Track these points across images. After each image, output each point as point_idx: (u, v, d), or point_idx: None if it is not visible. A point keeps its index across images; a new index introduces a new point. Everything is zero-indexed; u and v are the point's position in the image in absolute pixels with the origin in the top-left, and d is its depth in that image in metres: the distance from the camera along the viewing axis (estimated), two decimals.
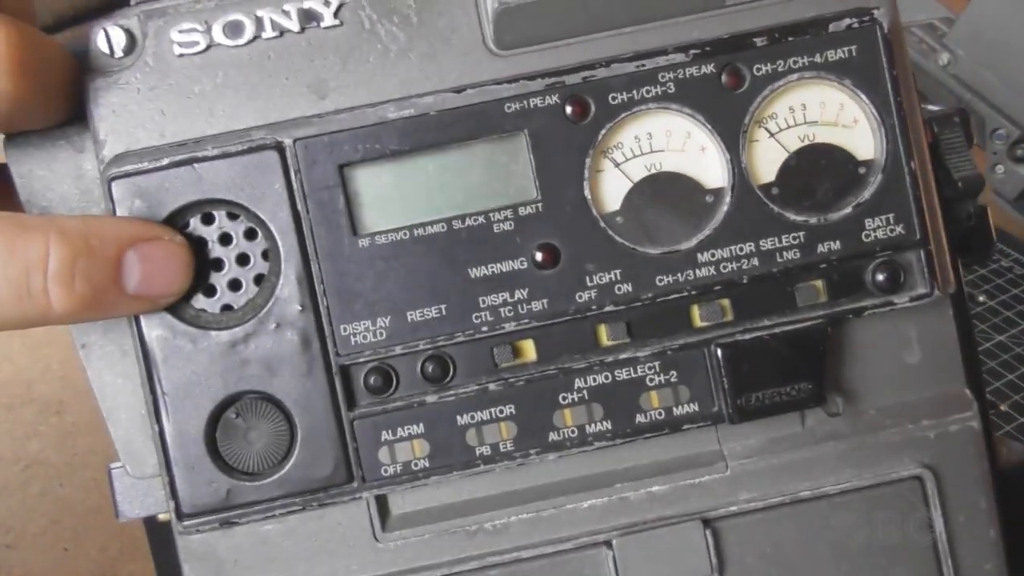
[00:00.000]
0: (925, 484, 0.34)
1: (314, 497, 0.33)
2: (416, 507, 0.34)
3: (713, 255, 0.33)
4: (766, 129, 0.33)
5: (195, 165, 0.32)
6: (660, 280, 0.33)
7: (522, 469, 0.34)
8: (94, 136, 0.33)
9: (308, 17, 0.33)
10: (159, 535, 0.36)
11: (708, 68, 0.33)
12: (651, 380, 0.33)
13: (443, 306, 0.33)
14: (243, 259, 0.33)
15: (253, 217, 0.32)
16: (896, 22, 0.33)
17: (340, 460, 0.33)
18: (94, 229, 0.31)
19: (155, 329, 0.32)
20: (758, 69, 0.33)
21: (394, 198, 0.33)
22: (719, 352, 0.33)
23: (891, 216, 0.33)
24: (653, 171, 0.33)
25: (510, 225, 0.33)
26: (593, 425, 0.33)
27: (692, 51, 0.33)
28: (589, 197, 0.33)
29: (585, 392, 0.33)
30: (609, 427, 0.33)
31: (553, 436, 0.33)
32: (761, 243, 0.33)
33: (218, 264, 0.33)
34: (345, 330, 0.32)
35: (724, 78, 0.33)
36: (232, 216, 0.32)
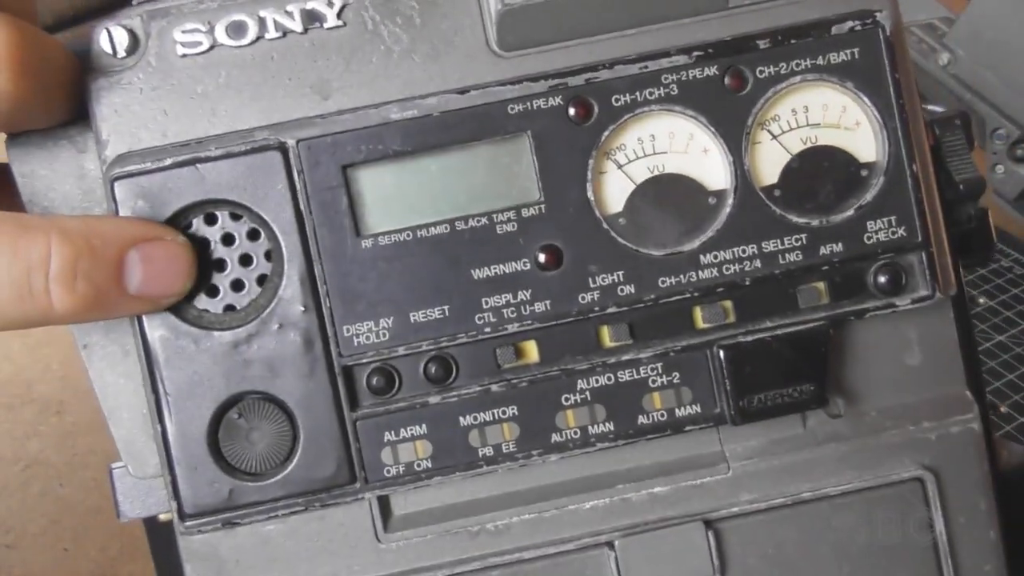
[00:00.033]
0: (926, 485, 0.35)
1: (316, 498, 0.33)
2: (418, 508, 0.34)
3: (715, 257, 0.33)
4: (768, 131, 0.33)
5: (198, 165, 0.32)
6: (663, 281, 0.33)
7: (524, 470, 0.34)
8: (96, 136, 0.33)
9: (311, 18, 0.33)
10: (159, 535, 0.36)
11: (711, 70, 0.33)
12: (653, 381, 0.33)
13: (446, 307, 0.33)
14: (246, 259, 0.33)
15: (256, 218, 0.32)
16: (898, 25, 0.33)
17: (342, 461, 0.33)
18: (96, 229, 0.31)
19: (157, 329, 0.32)
20: (761, 71, 0.33)
21: (397, 199, 0.33)
22: (721, 354, 0.33)
23: (893, 218, 0.33)
24: (656, 173, 0.33)
25: (513, 226, 0.33)
26: (595, 426, 0.33)
27: (695, 53, 0.33)
28: (592, 198, 0.33)
29: (587, 393, 0.33)
30: (611, 428, 0.33)
31: (555, 437, 0.33)
32: (763, 245, 0.33)
33: (221, 264, 0.33)
34: (348, 331, 0.32)
35: (727, 80, 0.33)
36: (235, 216, 0.32)
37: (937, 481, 0.34)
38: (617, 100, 0.33)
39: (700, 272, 0.33)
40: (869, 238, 0.33)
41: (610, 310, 0.33)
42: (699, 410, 0.34)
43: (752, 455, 0.35)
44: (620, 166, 0.33)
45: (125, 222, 0.32)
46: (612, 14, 0.33)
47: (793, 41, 0.33)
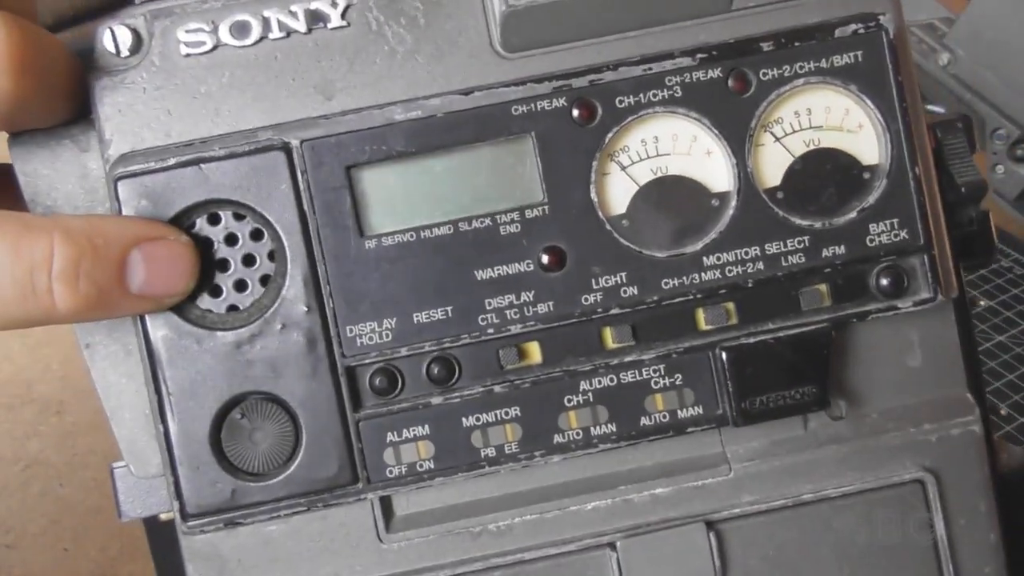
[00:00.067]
0: (926, 487, 0.35)
1: (319, 498, 0.33)
2: (420, 508, 0.34)
3: (718, 258, 0.33)
4: (772, 133, 0.33)
5: (201, 165, 0.32)
6: (665, 283, 0.33)
7: (526, 471, 0.34)
8: (100, 135, 0.33)
9: (315, 18, 0.33)
10: (159, 535, 0.36)
11: (715, 72, 0.33)
12: (656, 383, 0.34)
13: (449, 308, 0.33)
14: (249, 260, 0.33)
15: (259, 218, 0.32)
16: (901, 28, 0.34)
17: (345, 461, 0.33)
18: (98, 229, 0.31)
19: (160, 329, 0.32)
20: (764, 74, 0.33)
21: (400, 199, 0.33)
22: (724, 355, 0.33)
23: (895, 221, 0.34)
24: (659, 174, 0.33)
25: (516, 227, 0.33)
26: (598, 427, 0.33)
27: (699, 55, 0.33)
28: (595, 200, 0.33)
29: (590, 394, 0.33)
30: (614, 429, 0.33)
31: (558, 438, 0.33)
32: (766, 247, 0.33)
33: (224, 264, 0.33)
34: (351, 331, 0.33)
35: (730, 82, 0.33)
36: (238, 216, 0.32)
37: (938, 483, 0.35)
38: (621, 102, 0.33)
39: (703, 274, 0.33)
40: (871, 240, 0.34)
41: (613, 311, 0.33)
42: (701, 411, 0.34)
43: (754, 456, 0.35)
44: (623, 168, 0.33)
45: (128, 221, 0.32)
46: (616, 16, 0.33)
47: (796, 44, 0.33)
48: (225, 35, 0.32)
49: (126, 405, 0.34)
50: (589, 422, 0.33)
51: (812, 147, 0.34)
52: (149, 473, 0.34)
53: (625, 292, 0.33)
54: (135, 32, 0.32)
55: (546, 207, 0.33)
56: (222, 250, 0.32)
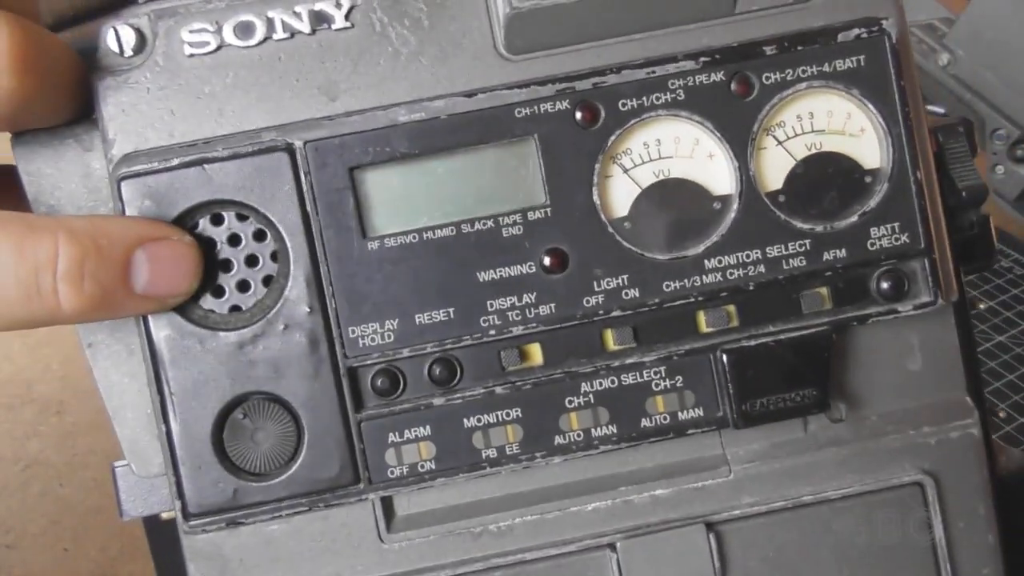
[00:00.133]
0: (926, 490, 0.35)
1: (320, 498, 0.33)
2: (421, 508, 0.35)
3: (720, 261, 0.33)
4: (774, 137, 0.34)
5: (205, 166, 0.32)
6: (667, 286, 0.33)
7: (527, 471, 0.34)
8: (103, 135, 0.33)
9: (319, 19, 0.33)
10: (159, 535, 0.36)
11: (718, 76, 0.33)
12: (657, 385, 0.34)
13: (451, 309, 0.33)
14: (252, 260, 0.33)
15: (262, 218, 0.32)
16: (904, 33, 0.34)
17: (347, 461, 0.33)
18: (102, 229, 0.31)
19: (163, 329, 0.32)
20: (767, 77, 0.33)
21: (403, 201, 0.33)
22: (724, 358, 0.33)
23: (896, 225, 0.34)
24: (661, 177, 0.33)
25: (519, 229, 0.33)
26: (599, 429, 0.34)
27: (702, 58, 0.33)
28: (598, 202, 0.33)
29: (591, 396, 0.34)
30: (614, 431, 0.34)
31: (559, 439, 0.33)
32: (767, 250, 0.33)
33: (227, 265, 0.33)
34: (353, 332, 0.33)
35: (733, 86, 0.33)
36: (241, 217, 0.33)
37: (937, 485, 0.35)
38: (624, 104, 0.33)
39: (704, 276, 0.33)
40: (872, 244, 0.34)
41: (614, 313, 0.33)
42: (701, 413, 0.34)
43: (754, 458, 0.35)
44: (626, 170, 0.33)
45: (132, 222, 0.32)
46: (619, 19, 0.33)
47: (799, 48, 0.33)
48: (229, 35, 0.32)
49: (128, 405, 0.34)
50: (590, 423, 0.34)
51: (814, 151, 0.34)
52: (151, 472, 0.34)
53: (627, 294, 0.33)
54: (139, 32, 0.32)
55: (548, 209, 0.33)
56: (225, 250, 0.33)
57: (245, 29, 0.32)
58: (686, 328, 0.34)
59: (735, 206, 0.33)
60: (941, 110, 0.83)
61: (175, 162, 0.32)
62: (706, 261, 0.33)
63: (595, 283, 0.33)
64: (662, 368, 0.34)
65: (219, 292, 0.33)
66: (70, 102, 0.33)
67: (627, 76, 0.33)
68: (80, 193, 0.34)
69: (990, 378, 0.69)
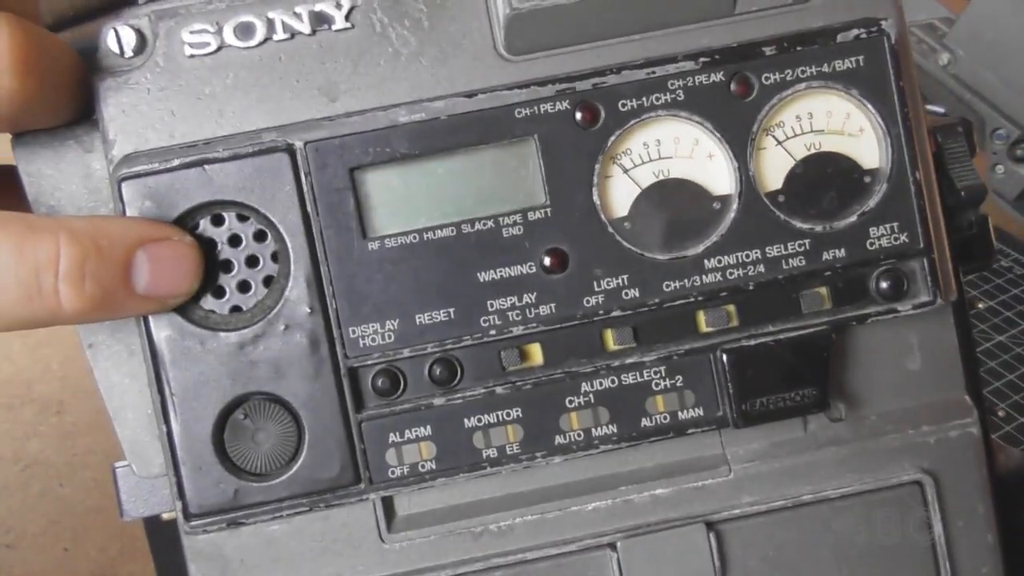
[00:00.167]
0: (925, 489, 0.35)
1: (321, 498, 0.33)
2: (422, 508, 0.35)
3: (720, 261, 0.33)
4: (773, 137, 0.34)
5: (205, 166, 0.32)
6: (667, 286, 0.33)
7: (528, 471, 0.34)
8: (103, 136, 0.33)
9: (319, 20, 0.33)
10: (160, 535, 0.36)
11: (717, 76, 0.33)
12: (657, 385, 0.34)
13: (451, 309, 0.33)
14: (252, 261, 0.33)
15: (263, 219, 0.33)
16: (903, 33, 0.34)
17: (347, 461, 0.33)
18: (103, 230, 0.31)
19: (164, 330, 0.32)
20: (767, 78, 0.33)
21: (404, 201, 0.33)
22: (724, 357, 0.33)
23: (895, 225, 0.34)
24: (661, 177, 0.33)
25: (519, 230, 0.33)
26: (599, 429, 0.34)
27: (702, 59, 0.33)
28: (598, 203, 0.33)
29: (591, 396, 0.34)
30: (615, 431, 0.34)
31: (559, 439, 0.34)
32: (767, 250, 0.34)
33: (227, 265, 0.33)
34: (354, 332, 0.33)
35: (733, 86, 0.33)
36: (242, 218, 0.33)
37: (936, 484, 0.35)
38: (624, 105, 0.33)
39: (704, 276, 0.33)
40: (871, 244, 0.34)
41: (614, 313, 0.33)
42: (701, 413, 0.34)
43: (753, 458, 0.35)
44: (626, 170, 0.33)
45: (132, 222, 0.32)
46: (619, 19, 0.33)
47: (799, 48, 0.33)
48: (229, 36, 0.33)
49: (129, 405, 0.34)
50: (590, 423, 0.34)
51: (813, 151, 0.34)
52: (152, 473, 0.34)
53: (626, 294, 0.33)
54: (139, 33, 0.32)
55: (548, 209, 0.33)
56: (225, 251, 0.33)
57: (245, 30, 0.33)
58: (686, 328, 0.34)
59: (735, 206, 0.33)
60: (941, 110, 0.83)
61: (176, 163, 0.32)
62: (706, 261, 0.33)
63: (595, 283, 0.33)
64: (662, 368, 0.34)
65: (220, 293, 0.33)
66: (71, 103, 0.33)
67: (627, 76, 0.33)
68: (80, 194, 0.34)
69: (990, 378, 0.70)
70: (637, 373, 0.34)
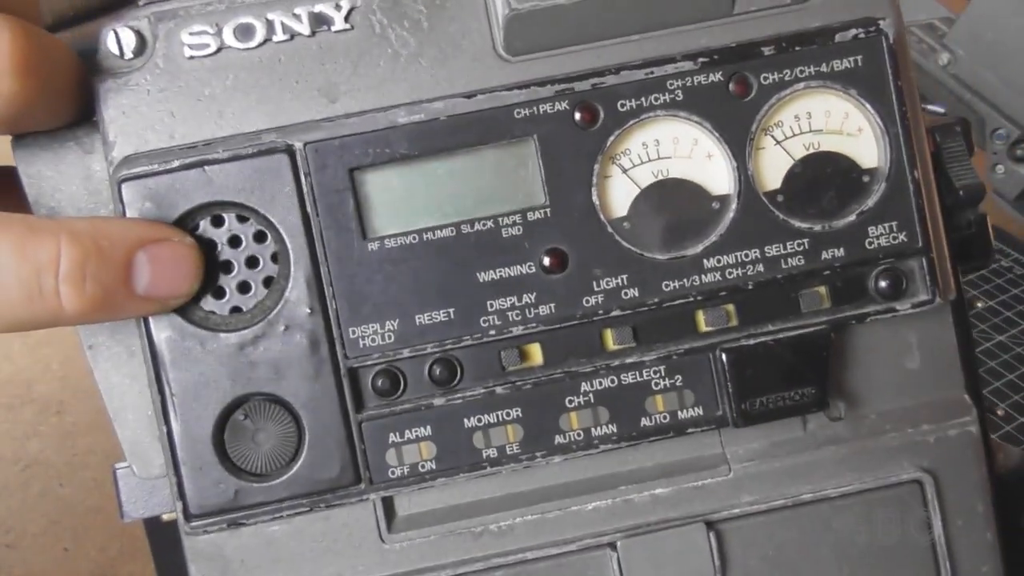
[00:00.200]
0: (924, 488, 0.35)
1: (321, 498, 0.33)
2: (422, 508, 0.35)
3: (719, 261, 0.33)
4: (772, 137, 0.34)
5: (205, 167, 0.32)
6: (666, 285, 0.33)
7: (528, 471, 0.34)
8: (103, 137, 0.33)
9: (319, 21, 0.33)
10: (160, 535, 0.36)
11: (716, 76, 0.33)
12: (656, 384, 0.34)
13: (451, 310, 0.33)
14: (252, 261, 0.33)
15: (263, 220, 0.33)
16: (901, 33, 0.34)
17: (347, 462, 0.33)
18: (104, 231, 0.31)
19: (164, 331, 0.32)
20: (765, 78, 0.33)
21: (403, 202, 0.33)
22: (724, 357, 0.34)
23: (894, 224, 0.34)
24: (660, 177, 0.34)
25: (519, 230, 0.33)
26: (599, 428, 0.34)
27: (700, 59, 0.33)
28: (597, 203, 0.33)
29: (591, 396, 0.34)
30: (614, 430, 0.34)
31: (559, 439, 0.34)
32: (766, 249, 0.34)
33: (227, 266, 0.33)
34: (353, 333, 0.33)
35: (732, 86, 0.33)
36: (242, 219, 0.33)
37: (935, 483, 0.35)
38: (623, 105, 0.33)
39: (703, 276, 0.33)
40: (870, 243, 0.34)
41: (614, 313, 0.33)
42: (701, 412, 0.34)
43: (753, 457, 0.35)
44: (625, 171, 0.33)
45: (133, 223, 0.32)
46: (618, 19, 0.33)
47: (797, 48, 0.33)
48: (229, 38, 0.33)
49: (129, 406, 0.34)
50: (590, 423, 0.34)
51: (812, 150, 0.34)
52: (152, 474, 0.34)
53: (626, 294, 0.33)
54: (139, 34, 0.32)
55: (548, 209, 0.33)
56: (225, 252, 0.33)
57: (245, 31, 0.33)
58: (685, 327, 0.34)
59: (734, 206, 0.33)
60: (941, 110, 0.83)
61: (175, 164, 0.32)
62: (705, 261, 0.33)
63: (594, 283, 0.33)
64: (662, 367, 0.34)
65: (220, 293, 0.33)
66: (71, 105, 0.33)
67: (626, 77, 0.33)
68: (81, 195, 0.34)
69: (990, 378, 0.70)
70: (637, 373, 0.34)
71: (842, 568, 0.35)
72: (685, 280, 0.33)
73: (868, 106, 0.33)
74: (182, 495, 0.33)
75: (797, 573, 0.35)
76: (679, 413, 0.34)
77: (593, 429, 0.34)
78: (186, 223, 0.32)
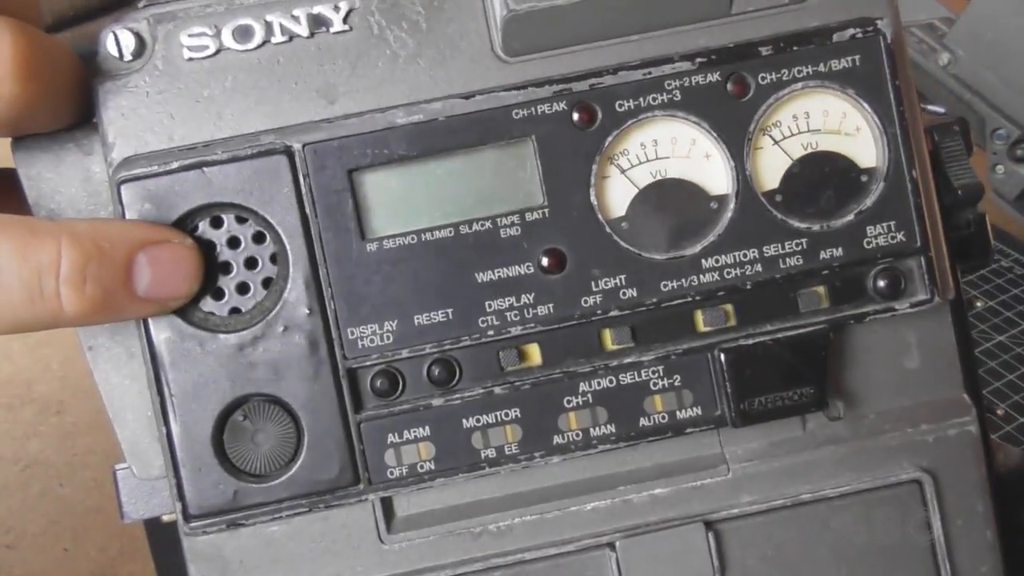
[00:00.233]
0: (924, 488, 0.35)
1: (320, 499, 0.33)
2: (421, 509, 0.35)
3: (717, 261, 0.33)
4: (770, 137, 0.34)
5: (204, 169, 0.32)
6: (664, 285, 0.33)
7: (526, 471, 0.34)
8: (103, 139, 0.33)
9: (317, 22, 0.33)
10: (160, 536, 0.36)
11: (714, 76, 0.33)
12: (655, 384, 0.34)
13: (450, 310, 0.33)
14: (251, 262, 0.33)
15: (262, 221, 0.33)
16: (899, 32, 0.34)
17: (346, 462, 0.33)
18: (104, 233, 0.31)
19: (163, 332, 0.32)
20: (763, 78, 0.33)
21: (402, 202, 0.33)
22: (722, 356, 0.34)
23: (892, 223, 0.34)
24: (658, 177, 0.34)
25: (517, 230, 0.33)
26: (597, 428, 0.34)
27: (698, 59, 0.33)
28: (595, 203, 0.33)
29: (589, 396, 0.34)
30: (613, 430, 0.34)
31: (558, 439, 0.34)
32: (764, 249, 0.34)
33: (226, 267, 0.33)
34: (352, 333, 0.33)
35: (729, 86, 0.33)
36: (241, 220, 0.33)
37: (935, 483, 0.35)
38: (621, 105, 0.33)
39: (702, 276, 0.33)
40: (869, 243, 0.34)
41: (612, 313, 0.33)
42: (700, 412, 0.34)
43: (752, 457, 0.35)
44: (623, 171, 0.34)
45: (133, 225, 0.32)
46: (616, 20, 0.33)
47: (795, 48, 0.33)
48: (228, 39, 0.33)
49: (129, 407, 0.34)
50: (589, 423, 0.34)
51: (810, 150, 0.34)
52: (151, 475, 0.34)
53: (624, 294, 0.33)
54: (138, 36, 0.33)
55: (546, 210, 0.33)
56: (224, 253, 0.33)
57: (244, 33, 0.33)
58: (684, 327, 0.34)
59: (732, 206, 0.34)
60: (941, 110, 0.83)
61: (174, 165, 0.32)
62: (703, 261, 0.33)
63: (593, 283, 0.33)
64: (660, 367, 0.34)
65: (219, 294, 0.33)
66: (71, 107, 0.33)
67: (624, 77, 0.33)
68: (80, 197, 0.34)
69: (990, 378, 0.69)
70: (635, 373, 0.34)
71: (841, 568, 0.35)
72: (683, 280, 0.33)
73: (866, 106, 0.34)
74: (181, 496, 0.33)
75: (796, 573, 0.35)
76: (678, 413, 0.34)
77: (592, 429, 0.34)
78: (185, 224, 0.32)
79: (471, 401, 0.33)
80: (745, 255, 0.34)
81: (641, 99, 0.33)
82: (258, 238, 0.33)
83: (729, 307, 0.34)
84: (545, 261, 0.33)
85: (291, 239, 0.32)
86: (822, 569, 0.35)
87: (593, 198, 0.33)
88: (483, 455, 0.33)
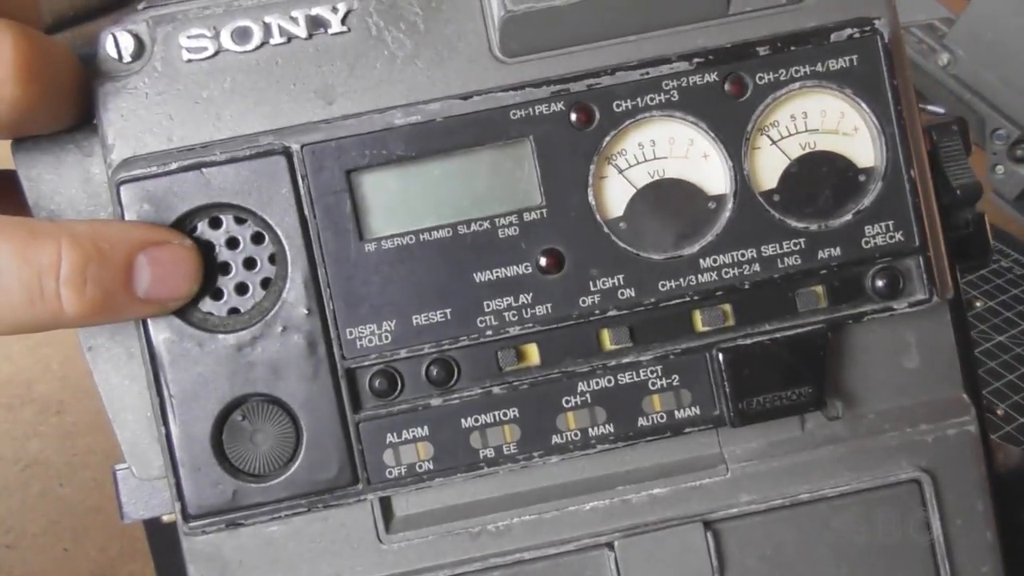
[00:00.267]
0: (923, 488, 0.35)
1: (319, 499, 0.33)
2: (420, 509, 0.35)
3: (715, 261, 0.34)
4: (768, 136, 0.34)
5: (203, 170, 0.32)
6: (663, 285, 0.33)
7: (525, 471, 0.34)
8: (102, 140, 0.33)
9: (315, 24, 0.33)
10: (159, 536, 0.36)
11: (711, 76, 0.33)
12: (653, 384, 0.34)
13: (448, 310, 0.33)
14: (250, 263, 0.33)
15: (260, 221, 0.33)
16: (897, 32, 0.34)
17: (345, 462, 0.33)
18: (104, 234, 0.31)
19: (162, 332, 0.32)
20: (761, 78, 0.33)
21: (400, 203, 0.33)
22: (720, 356, 0.34)
23: (891, 223, 0.34)
24: (656, 177, 0.34)
25: (515, 230, 0.33)
26: (596, 428, 0.34)
27: (696, 59, 0.33)
28: (593, 203, 0.33)
29: (588, 396, 0.34)
30: (611, 430, 0.34)
31: (556, 439, 0.34)
32: (762, 249, 0.34)
33: (225, 268, 0.33)
34: (351, 333, 0.33)
35: (727, 86, 0.33)
36: (239, 220, 0.33)
37: (934, 483, 0.35)
38: (618, 106, 0.33)
39: (700, 276, 0.34)
40: (867, 243, 0.34)
41: (610, 313, 0.33)
42: (698, 412, 0.34)
43: (751, 457, 0.35)
44: (621, 171, 0.34)
45: (132, 226, 0.32)
46: (614, 21, 0.33)
47: (793, 48, 0.33)
48: (227, 41, 0.33)
49: (128, 407, 0.34)
50: (587, 423, 0.34)
51: (808, 150, 0.34)
52: (151, 475, 0.34)
53: (623, 294, 0.33)
54: (137, 38, 0.33)
55: (544, 210, 0.33)
56: (223, 253, 0.33)
57: (242, 34, 0.33)
58: (682, 327, 0.34)
59: (730, 206, 0.34)
60: (941, 110, 0.83)
61: (174, 166, 0.32)
62: (701, 260, 0.33)
63: (591, 283, 0.33)
64: (658, 367, 0.34)
65: (218, 295, 0.33)
66: (71, 108, 0.33)
67: (621, 77, 0.33)
68: (80, 198, 0.34)
69: (990, 378, 0.69)
70: (633, 373, 0.34)
71: (840, 568, 0.35)
72: (681, 280, 0.33)
73: (864, 105, 0.34)
74: (180, 496, 0.33)
75: (795, 573, 0.35)
76: (676, 413, 0.34)
77: (590, 429, 0.34)
78: (184, 225, 0.33)
79: (470, 401, 0.33)
80: (743, 255, 0.34)
81: (639, 99, 0.33)
82: (257, 239, 0.33)
83: (727, 307, 0.34)
84: (543, 261, 0.33)
85: (290, 239, 0.33)
86: (821, 569, 0.35)
87: (591, 198, 0.33)
88: (482, 455, 0.33)
